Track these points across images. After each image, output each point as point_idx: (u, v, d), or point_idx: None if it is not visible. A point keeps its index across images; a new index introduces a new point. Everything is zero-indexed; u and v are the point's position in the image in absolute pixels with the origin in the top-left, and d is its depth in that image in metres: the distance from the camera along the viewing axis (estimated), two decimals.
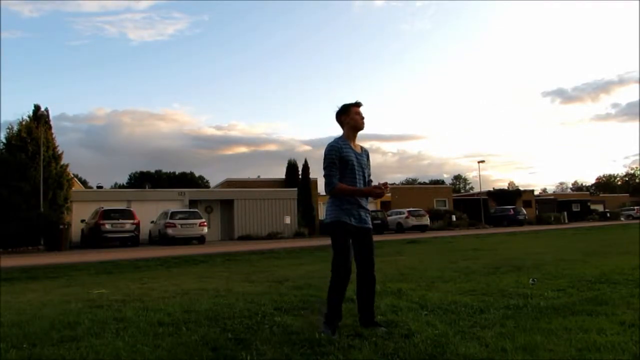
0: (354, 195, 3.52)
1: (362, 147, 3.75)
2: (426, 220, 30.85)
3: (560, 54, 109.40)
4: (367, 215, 3.66)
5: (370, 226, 3.67)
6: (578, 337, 3.14)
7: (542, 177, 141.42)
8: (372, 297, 3.62)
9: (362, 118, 3.67)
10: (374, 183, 3.79)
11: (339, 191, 3.50)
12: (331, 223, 3.54)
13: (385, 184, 3.54)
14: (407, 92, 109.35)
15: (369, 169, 3.78)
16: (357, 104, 3.68)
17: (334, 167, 3.52)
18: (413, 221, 30.29)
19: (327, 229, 3.58)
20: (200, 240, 21.92)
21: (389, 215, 31.51)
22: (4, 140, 22.94)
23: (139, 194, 28.65)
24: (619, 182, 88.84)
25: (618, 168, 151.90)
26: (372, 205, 35.56)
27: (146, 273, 8.79)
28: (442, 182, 75.58)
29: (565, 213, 43.36)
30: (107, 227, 20.45)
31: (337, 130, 3.77)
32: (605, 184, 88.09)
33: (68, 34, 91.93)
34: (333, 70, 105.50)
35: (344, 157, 3.53)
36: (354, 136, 3.69)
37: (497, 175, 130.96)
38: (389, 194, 39.43)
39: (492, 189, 47.08)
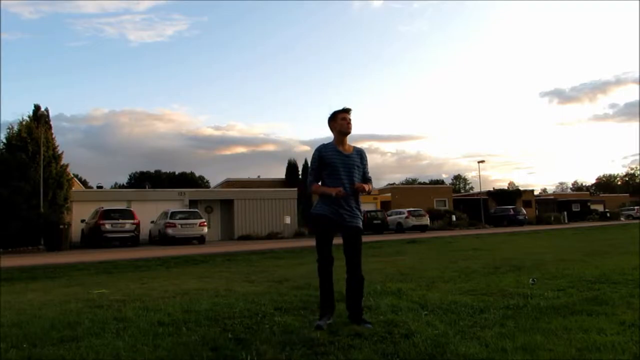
0: (324, 195, 3.84)
1: (355, 148, 3.99)
2: (426, 220, 30.85)
3: (558, 55, 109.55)
4: (352, 215, 3.83)
5: (356, 225, 3.85)
6: (578, 337, 3.14)
7: (541, 177, 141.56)
8: (359, 295, 3.80)
9: (348, 122, 3.92)
10: (375, 181, 4.06)
11: (313, 192, 3.98)
12: (313, 216, 3.91)
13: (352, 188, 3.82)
14: (405, 92, 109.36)
15: (365, 167, 3.99)
16: (344, 110, 3.96)
17: (313, 170, 3.96)
18: (413, 221, 30.29)
19: (311, 220, 3.95)
20: (200, 240, 21.91)
21: (389, 215, 31.49)
22: (4, 140, 22.95)
23: (139, 194, 28.66)
24: (619, 182, 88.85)
25: (617, 168, 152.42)
26: (372, 205, 35.57)
27: (146, 273, 8.79)
28: (442, 182, 75.57)
29: (565, 213, 43.31)
30: (107, 227, 20.44)
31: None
32: (605, 184, 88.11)
33: (68, 35, 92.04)
34: (331, 71, 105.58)
35: (325, 160, 3.87)
36: (342, 140, 3.94)
37: (497, 175, 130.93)
38: (389, 194, 39.44)
39: (492, 189, 47.05)
